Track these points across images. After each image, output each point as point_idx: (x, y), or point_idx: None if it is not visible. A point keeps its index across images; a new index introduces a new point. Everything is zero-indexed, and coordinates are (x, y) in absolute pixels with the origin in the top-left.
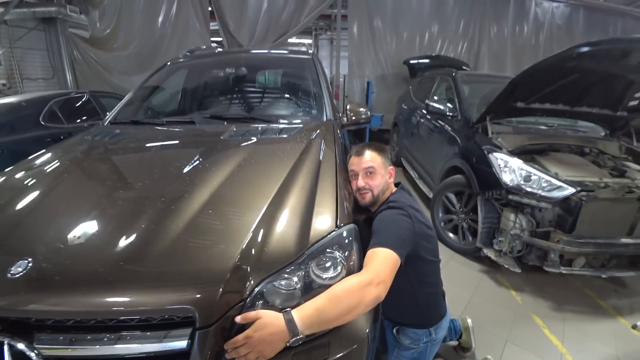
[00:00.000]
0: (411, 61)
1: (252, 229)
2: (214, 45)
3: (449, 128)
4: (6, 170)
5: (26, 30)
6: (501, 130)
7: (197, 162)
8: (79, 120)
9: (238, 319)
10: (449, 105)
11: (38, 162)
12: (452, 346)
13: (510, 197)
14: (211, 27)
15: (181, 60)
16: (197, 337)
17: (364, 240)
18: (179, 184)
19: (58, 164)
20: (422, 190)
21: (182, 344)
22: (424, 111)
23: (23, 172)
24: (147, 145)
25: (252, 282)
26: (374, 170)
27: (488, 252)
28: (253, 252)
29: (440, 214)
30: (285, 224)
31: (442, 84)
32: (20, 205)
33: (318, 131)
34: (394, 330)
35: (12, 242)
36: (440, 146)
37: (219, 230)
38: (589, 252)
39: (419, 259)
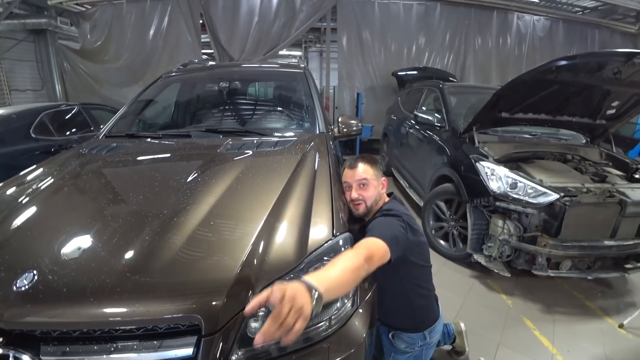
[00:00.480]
0: (399, 73)
1: (253, 239)
2: (205, 57)
3: (438, 138)
4: (5, 183)
5: (15, 41)
6: (487, 139)
7: (197, 175)
8: (69, 133)
9: (248, 309)
10: (437, 115)
11: (35, 175)
12: (446, 350)
13: (497, 204)
14: (202, 40)
15: (174, 73)
16: (203, 344)
17: None
18: (180, 197)
19: (58, 177)
20: (412, 198)
21: (188, 351)
22: (413, 122)
23: (22, 186)
24: (146, 158)
25: (254, 290)
26: (367, 182)
27: (478, 258)
28: (255, 261)
29: (431, 222)
30: (284, 234)
31: (430, 95)
32: (23, 218)
33: (312, 143)
34: (390, 335)
35: (17, 255)
36: (429, 156)
37: (221, 241)
38: (575, 255)
39: (412, 264)
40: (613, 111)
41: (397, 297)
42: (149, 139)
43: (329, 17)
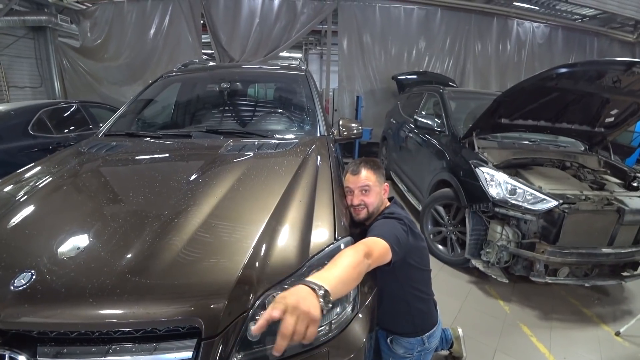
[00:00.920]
0: (399, 77)
1: (254, 242)
2: (205, 58)
3: (437, 143)
4: (3, 180)
5: (15, 38)
6: (487, 145)
7: (198, 175)
8: (67, 131)
9: (255, 328)
10: (436, 120)
11: (34, 173)
12: (443, 355)
13: (496, 209)
14: (203, 40)
15: (175, 73)
16: (202, 347)
17: None
18: (181, 197)
19: (57, 175)
20: (411, 202)
21: (187, 354)
22: (413, 126)
23: (20, 183)
24: (146, 157)
25: (255, 293)
26: (369, 188)
27: (476, 263)
28: (256, 264)
29: (429, 226)
30: (286, 237)
31: (430, 99)
32: (22, 216)
33: (313, 146)
34: (388, 340)
35: (15, 254)
36: (428, 160)
37: (222, 243)
38: (573, 262)
39: (412, 268)
40: (612, 119)
41: (396, 301)
42: (149, 139)
43: (329, 20)
